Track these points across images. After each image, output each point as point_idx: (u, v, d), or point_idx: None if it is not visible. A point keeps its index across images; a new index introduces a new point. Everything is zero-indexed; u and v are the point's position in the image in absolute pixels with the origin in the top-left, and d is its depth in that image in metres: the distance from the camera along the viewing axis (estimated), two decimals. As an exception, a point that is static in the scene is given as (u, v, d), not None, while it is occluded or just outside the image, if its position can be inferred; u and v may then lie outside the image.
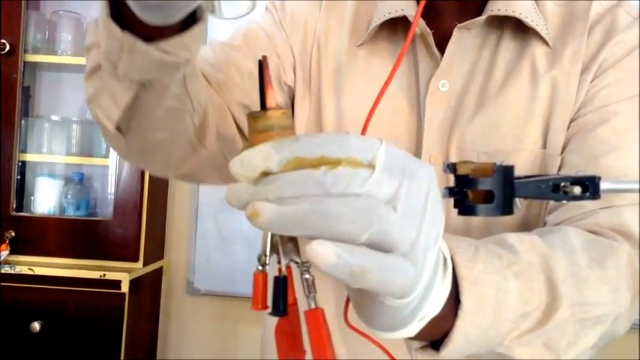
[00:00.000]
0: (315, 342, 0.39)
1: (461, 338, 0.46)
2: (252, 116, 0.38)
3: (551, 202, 0.69)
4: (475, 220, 0.71)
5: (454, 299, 0.45)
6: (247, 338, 2.29)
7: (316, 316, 0.40)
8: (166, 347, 2.35)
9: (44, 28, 2.18)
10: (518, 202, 0.44)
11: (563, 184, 0.41)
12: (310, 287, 0.41)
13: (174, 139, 0.65)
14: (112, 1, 0.50)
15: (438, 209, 0.38)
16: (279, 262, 0.42)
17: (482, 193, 0.41)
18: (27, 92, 2.23)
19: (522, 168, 0.69)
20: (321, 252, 0.34)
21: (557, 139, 0.70)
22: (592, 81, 0.70)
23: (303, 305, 0.41)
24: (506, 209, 0.41)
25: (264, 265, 0.41)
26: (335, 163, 0.35)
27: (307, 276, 0.40)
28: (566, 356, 0.53)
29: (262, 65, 0.38)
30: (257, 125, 0.38)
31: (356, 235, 0.34)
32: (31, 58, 2.09)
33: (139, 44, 0.50)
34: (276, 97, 0.38)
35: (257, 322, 2.31)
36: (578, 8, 0.73)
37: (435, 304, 0.42)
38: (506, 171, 0.41)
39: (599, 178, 0.42)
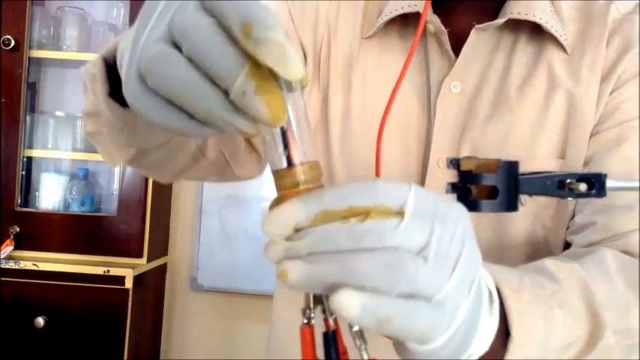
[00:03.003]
0: None
1: None
2: (279, 174, 0.38)
3: (576, 222, 0.68)
4: (483, 238, 0.69)
5: (502, 331, 0.44)
6: (250, 334, 2.29)
7: None
8: (170, 343, 2.35)
9: (49, 23, 2.18)
10: (523, 199, 0.43)
11: (568, 180, 0.41)
12: (360, 339, 0.39)
13: (175, 159, 0.65)
14: (110, 78, 0.50)
15: (472, 252, 0.37)
16: (323, 312, 0.41)
17: (486, 189, 0.40)
18: (32, 88, 2.23)
19: None
20: (347, 303, 0.33)
21: (578, 149, 0.68)
22: (612, 92, 0.68)
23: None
24: (511, 205, 0.40)
25: (309, 319, 0.40)
26: (364, 212, 0.35)
27: (356, 328, 0.39)
28: None
29: (284, 127, 0.37)
30: (285, 182, 0.37)
31: (385, 292, 0.34)
32: (36, 53, 2.09)
33: (141, 122, 0.50)
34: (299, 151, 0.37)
35: (260, 319, 2.32)
36: (595, 12, 0.71)
37: (483, 341, 0.41)
38: (511, 167, 0.40)
39: (605, 176, 0.41)
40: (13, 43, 2.01)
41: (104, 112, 0.53)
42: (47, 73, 2.32)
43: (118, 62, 0.45)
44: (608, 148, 0.67)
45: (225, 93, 0.33)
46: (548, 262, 0.53)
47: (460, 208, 0.37)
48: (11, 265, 1.90)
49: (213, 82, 0.33)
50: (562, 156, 0.68)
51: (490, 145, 0.68)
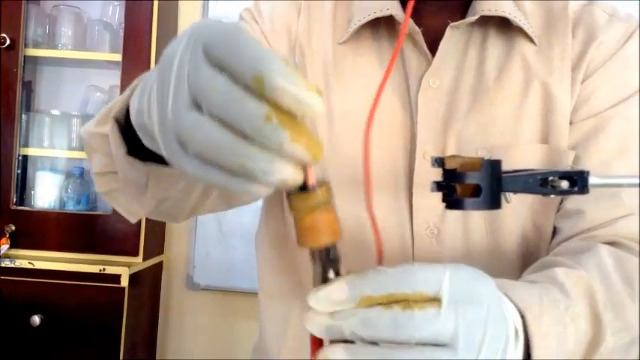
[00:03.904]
0: None
1: None
2: (299, 197, 0.39)
3: (566, 207, 0.71)
4: (476, 221, 0.71)
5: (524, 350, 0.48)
6: (247, 333, 2.29)
7: None
8: (166, 341, 2.35)
9: (44, 22, 2.18)
10: (508, 197, 0.44)
11: (551, 178, 0.42)
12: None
13: (189, 199, 0.67)
14: (125, 136, 0.53)
15: (497, 330, 0.42)
16: None
17: (470, 187, 0.41)
18: (28, 87, 2.23)
19: (522, 162, 0.70)
20: None
21: (560, 135, 0.71)
22: (583, 81, 0.72)
23: None
24: (494, 203, 0.41)
25: None
26: (403, 299, 0.39)
27: None
28: None
29: None
30: (305, 205, 0.39)
31: None
32: (32, 52, 2.09)
33: (165, 170, 0.53)
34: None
35: (256, 317, 2.32)
36: (555, 7, 0.75)
37: None
38: (494, 165, 0.41)
39: (588, 173, 0.42)
40: (8, 41, 2.01)
41: (124, 171, 0.56)
42: (43, 72, 2.32)
43: (135, 120, 0.48)
44: (587, 138, 0.70)
45: (261, 145, 0.34)
46: (559, 272, 0.56)
47: (488, 285, 0.43)
48: (7, 263, 1.90)
49: (246, 137, 0.34)
50: (545, 141, 0.71)
51: (474, 134, 0.71)
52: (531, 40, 0.72)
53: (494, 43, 0.73)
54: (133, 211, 0.66)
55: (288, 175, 0.35)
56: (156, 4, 2.03)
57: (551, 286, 0.54)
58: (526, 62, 0.72)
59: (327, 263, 0.41)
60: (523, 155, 0.70)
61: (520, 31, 0.72)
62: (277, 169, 0.34)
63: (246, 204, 0.80)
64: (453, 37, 0.72)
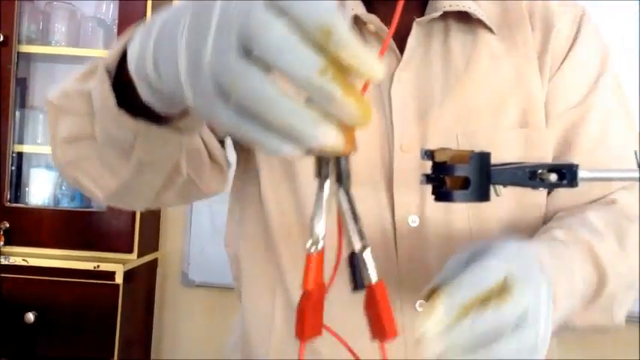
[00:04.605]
0: (386, 313, 0.41)
1: None
2: None
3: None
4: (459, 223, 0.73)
5: None
6: (242, 329, 2.29)
7: (382, 288, 0.41)
8: (161, 338, 2.35)
9: (38, 18, 2.17)
10: (498, 190, 0.44)
11: (540, 171, 0.42)
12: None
13: (154, 180, 0.63)
14: (116, 89, 0.50)
15: (547, 302, 0.47)
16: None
17: (460, 180, 0.41)
18: (22, 83, 2.22)
19: (504, 146, 0.72)
20: None
21: (538, 116, 0.74)
22: (551, 68, 0.75)
23: None
24: (482, 195, 0.41)
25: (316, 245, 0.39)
26: (483, 298, 0.44)
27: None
28: (618, 316, 0.65)
29: None
30: None
31: None
32: (25, 48, 2.09)
33: (154, 129, 0.51)
34: None
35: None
36: (510, 6, 0.78)
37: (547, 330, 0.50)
38: (483, 158, 0.41)
39: (577, 166, 0.42)
40: (1, 38, 2.00)
41: (107, 129, 0.53)
42: (37, 69, 2.31)
43: (135, 68, 0.45)
44: (570, 129, 0.74)
45: (305, 104, 0.33)
46: (557, 232, 0.62)
47: (536, 278, 0.47)
48: (1, 260, 1.90)
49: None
50: (524, 125, 0.74)
51: (452, 122, 0.73)
52: (491, 31, 0.75)
53: (456, 36, 0.75)
54: (103, 184, 0.61)
55: (330, 140, 0.34)
56: (149, 0, 2.03)
57: (552, 242, 0.60)
58: (492, 50, 0.75)
59: (337, 176, 0.39)
60: (504, 139, 0.72)
61: (480, 23, 0.75)
62: (321, 132, 0.33)
63: (202, 199, 0.78)
64: (418, 32, 0.74)
